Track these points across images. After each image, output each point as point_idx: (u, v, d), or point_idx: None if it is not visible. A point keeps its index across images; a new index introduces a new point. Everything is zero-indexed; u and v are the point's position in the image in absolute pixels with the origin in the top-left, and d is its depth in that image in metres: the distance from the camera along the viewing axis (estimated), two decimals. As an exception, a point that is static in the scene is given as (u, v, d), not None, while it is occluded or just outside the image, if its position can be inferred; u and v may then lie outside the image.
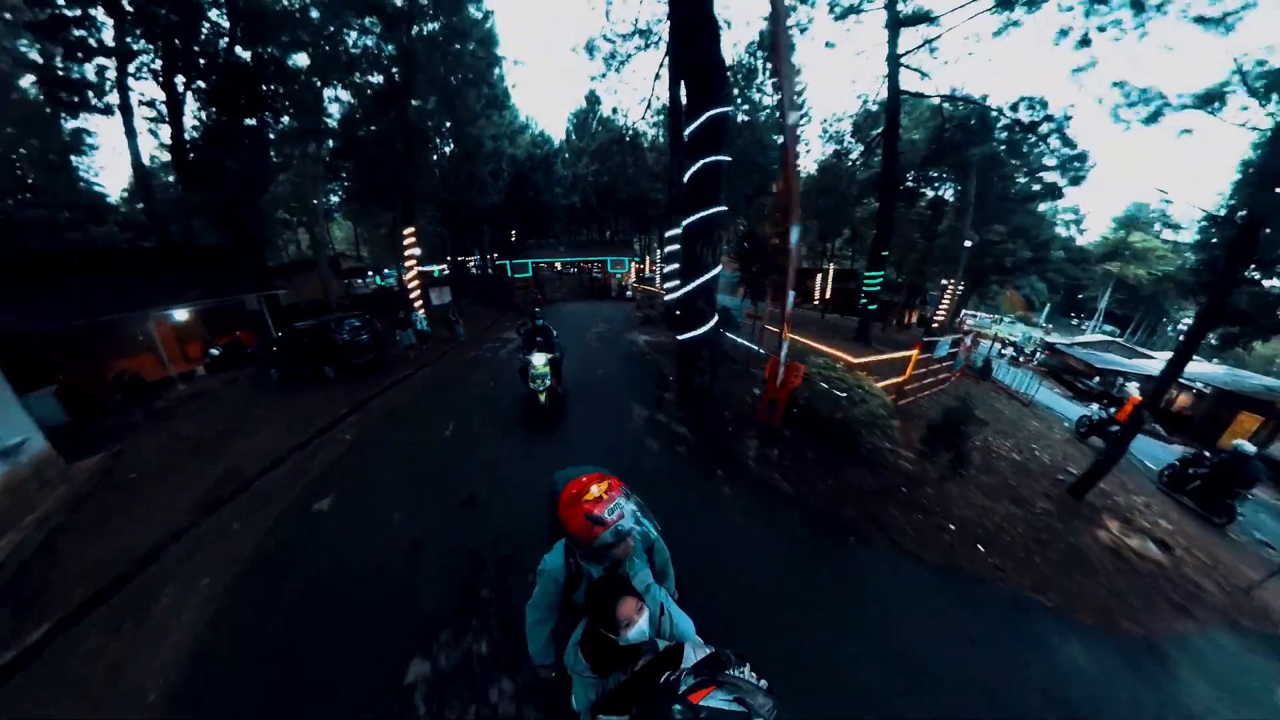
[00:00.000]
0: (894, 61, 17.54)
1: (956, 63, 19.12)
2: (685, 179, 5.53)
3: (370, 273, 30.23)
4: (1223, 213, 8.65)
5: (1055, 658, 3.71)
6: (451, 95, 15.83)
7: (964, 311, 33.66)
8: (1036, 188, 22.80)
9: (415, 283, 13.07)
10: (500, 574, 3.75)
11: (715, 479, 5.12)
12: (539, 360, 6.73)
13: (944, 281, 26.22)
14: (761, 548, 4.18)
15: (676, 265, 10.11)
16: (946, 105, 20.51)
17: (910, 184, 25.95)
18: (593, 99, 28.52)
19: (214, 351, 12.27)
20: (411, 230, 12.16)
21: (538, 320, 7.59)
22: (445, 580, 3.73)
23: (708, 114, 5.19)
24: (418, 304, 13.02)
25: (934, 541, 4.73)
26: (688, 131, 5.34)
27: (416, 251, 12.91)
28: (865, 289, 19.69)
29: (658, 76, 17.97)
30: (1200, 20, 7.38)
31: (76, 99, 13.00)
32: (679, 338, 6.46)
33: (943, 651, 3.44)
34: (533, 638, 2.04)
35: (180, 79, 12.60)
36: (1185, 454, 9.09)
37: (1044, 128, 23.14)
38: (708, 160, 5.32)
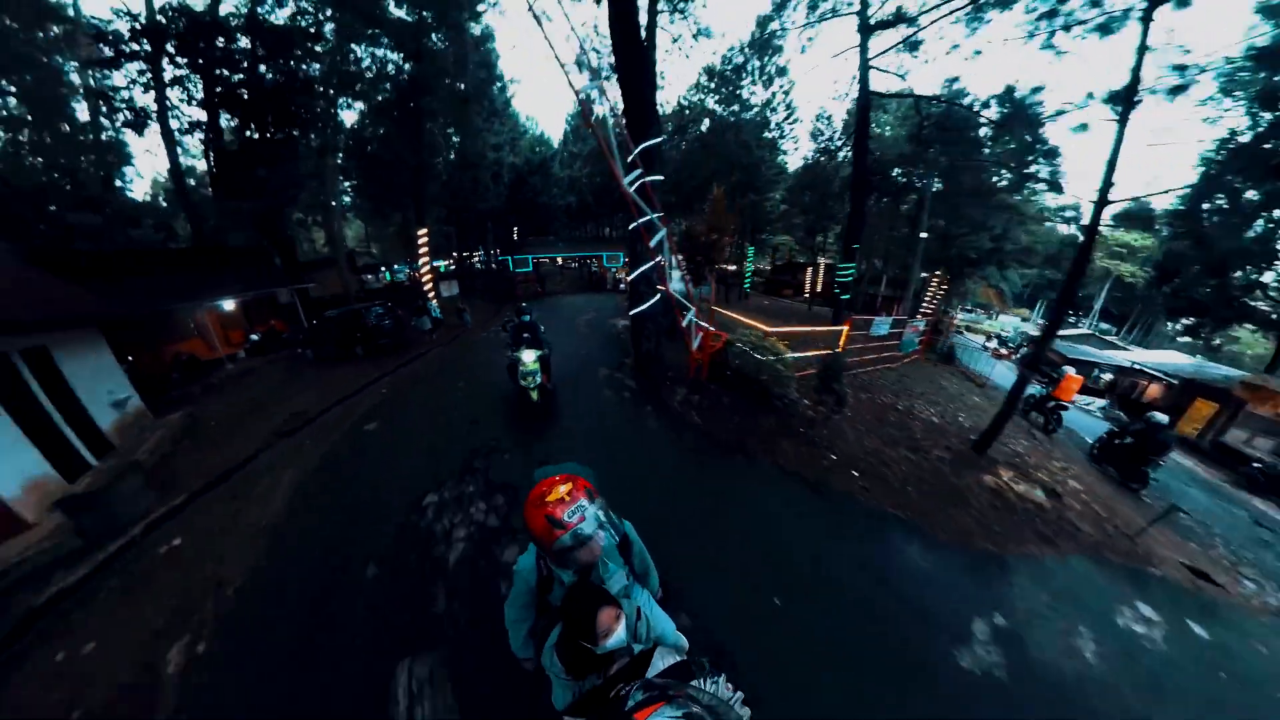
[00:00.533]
0: (865, 64, 18.56)
1: (935, 61, 20.27)
2: (633, 189, 7.24)
3: (382, 268, 32.10)
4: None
5: (894, 554, 4.73)
6: (457, 114, 17.62)
7: (961, 307, 34.60)
8: (1019, 181, 24.03)
9: (428, 277, 14.92)
10: (488, 455, 5.71)
11: (645, 414, 6.97)
12: (529, 357, 6.77)
13: (923, 274, 27.38)
14: (668, 457, 5.96)
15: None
16: (923, 104, 21.76)
17: (901, 179, 27.32)
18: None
19: (254, 337, 14.20)
20: (424, 231, 13.98)
21: (524, 316, 7.48)
22: (453, 460, 5.66)
23: (641, 146, 6.94)
24: (431, 295, 14.87)
25: (813, 466, 6.06)
26: (629, 158, 7.06)
27: (427, 249, 14.76)
28: (839, 279, 21.03)
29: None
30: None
31: (135, 120, 14.95)
32: (630, 313, 8.19)
33: (796, 536, 4.70)
34: (512, 634, 2.13)
35: (216, 101, 14.55)
36: (1113, 426, 9.49)
37: (1015, 125, 24.10)
38: (645, 179, 7.05)
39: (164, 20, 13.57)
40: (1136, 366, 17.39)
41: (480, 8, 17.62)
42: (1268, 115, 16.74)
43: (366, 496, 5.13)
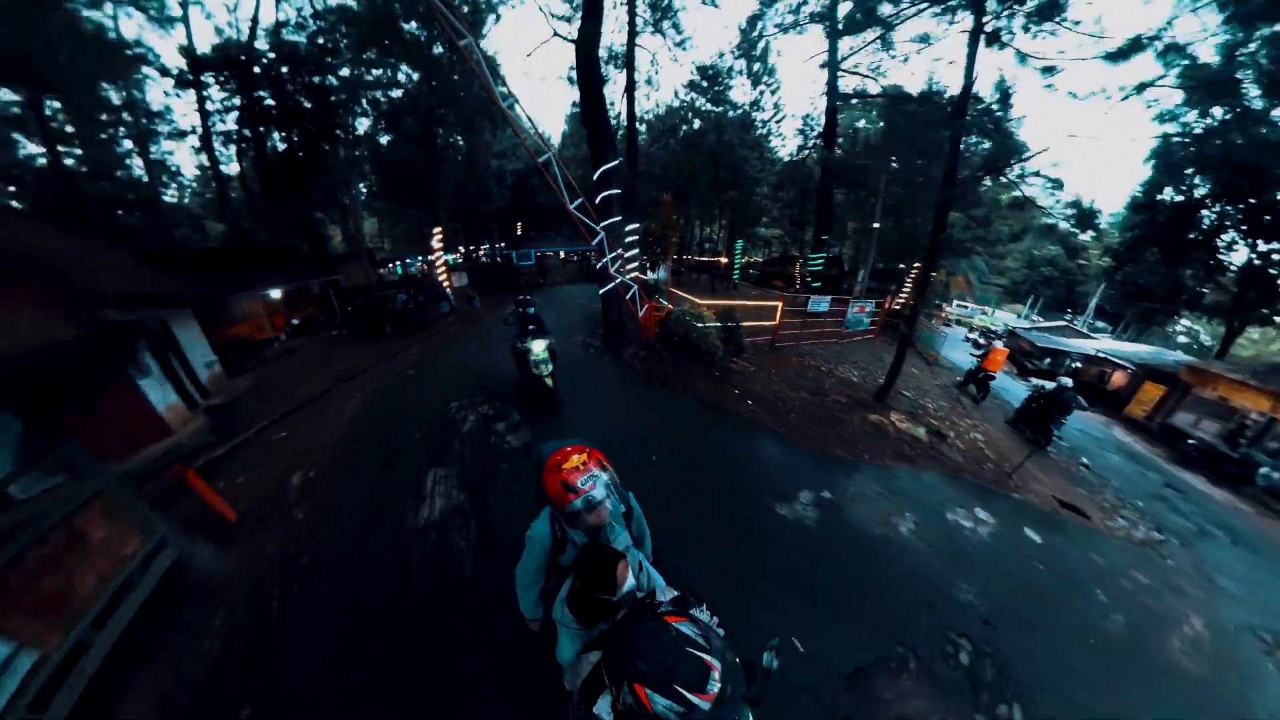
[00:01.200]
0: (834, 67, 20.18)
1: (910, 60, 21.44)
2: (596, 201, 9.48)
3: (395, 262, 34.61)
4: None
5: (756, 448, 6.42)
6: (464, 126, 19.97)
7: (956, 302, 34.75)
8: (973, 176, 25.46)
9: (443, 269, 17.32)
10: (493, 385, 8.07)
11: (604, 362, 9.35)
12: (539, 347, 6.94)
13: (900, 266, 28.65)
14: (616, 388, 8.28)
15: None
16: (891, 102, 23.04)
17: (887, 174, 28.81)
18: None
19: (295, 321, 16.67)
20: (438, 230, 16.34)
21: (528, 309, 7.67)
22: (466, 387, 8.05)
23: (601, 169, 9.22)
24: (447, 284, 17.28)
25: (716, 395, 8.09)
26: (595, 176, 9.34)
27: (440, 246, 17.16)
28: (810, 269, 22.70)
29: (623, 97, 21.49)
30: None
31: (199, 142, 17.61)
32: (599, 291, 10.43)
33: (682, 430, 6.77)
34: (523, 597, 2.34)
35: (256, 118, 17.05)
36: (1030, 392, 10.15)
37: (984, 121, 25.09)
38: (605, 194, 9.35)
39: (211, 53, 16.07)
40: (1101, 355, 17.45)
41: (484, 31, 19.91)
42: (1218, 111, 18.27)
43: (411, 404, 7.68)
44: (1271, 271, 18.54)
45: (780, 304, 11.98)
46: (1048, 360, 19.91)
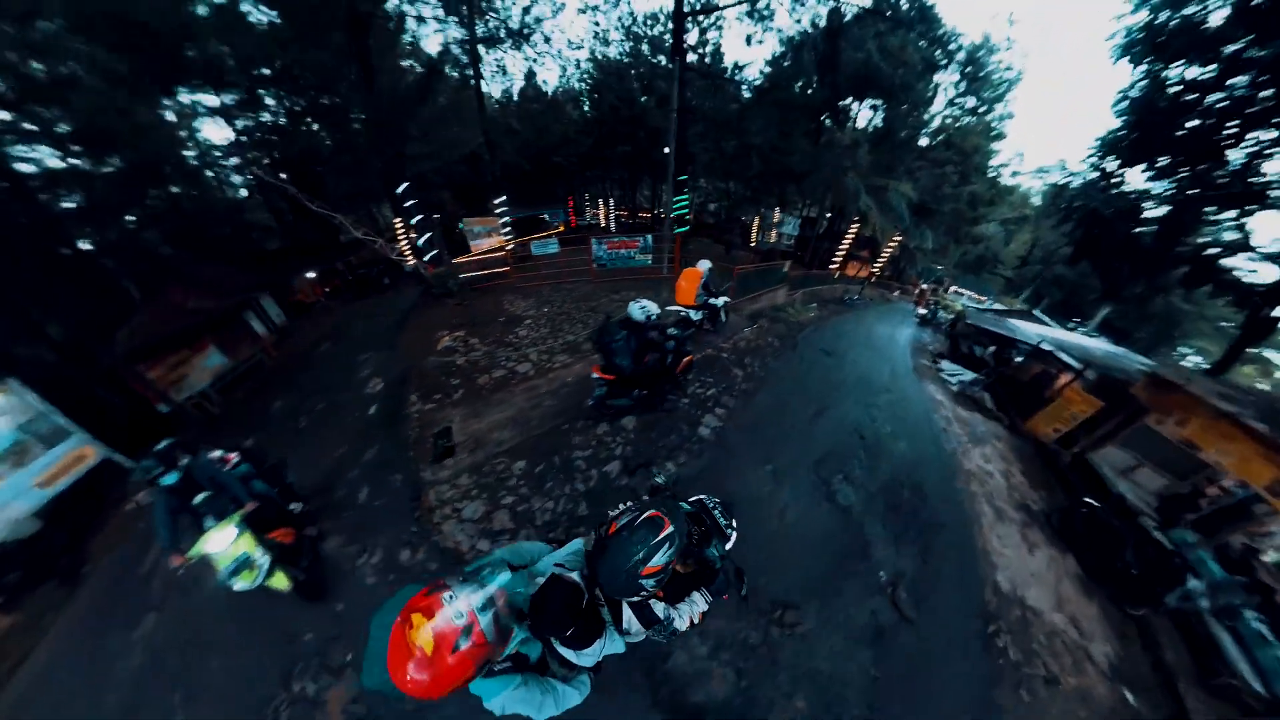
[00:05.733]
0: None
1: None
2: (405, 206, 18.57)
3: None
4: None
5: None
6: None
7: (954, 289, 35.40)
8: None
9: (407, 249, 27.27)
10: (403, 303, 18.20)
11: (410, 304, 19.16)
12: (219, 543, 3.86)
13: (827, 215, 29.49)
14: (403, 314, 18.02)
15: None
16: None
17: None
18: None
19: (327, 290, 27.35)
20: (398, 219, 26.13)
21: (168, 476, 4.01)
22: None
23: (399, 190, 18.38)
24: (410, 260, 27.32)
25: (416, 316, 16.84)
26: (399, 184, 18.42)
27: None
28: (674, 214, 23.99)
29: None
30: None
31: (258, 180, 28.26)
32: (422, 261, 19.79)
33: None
34: (563, 703, 2.06)
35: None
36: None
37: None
38: (405, 205, 18.54)
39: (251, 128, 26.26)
40: (1045, 347, 12.35)
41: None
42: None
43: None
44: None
45: (509, 251, 20.64)
46: (992, 349, 15.80)
